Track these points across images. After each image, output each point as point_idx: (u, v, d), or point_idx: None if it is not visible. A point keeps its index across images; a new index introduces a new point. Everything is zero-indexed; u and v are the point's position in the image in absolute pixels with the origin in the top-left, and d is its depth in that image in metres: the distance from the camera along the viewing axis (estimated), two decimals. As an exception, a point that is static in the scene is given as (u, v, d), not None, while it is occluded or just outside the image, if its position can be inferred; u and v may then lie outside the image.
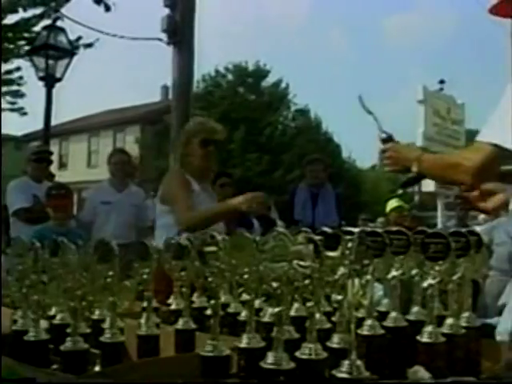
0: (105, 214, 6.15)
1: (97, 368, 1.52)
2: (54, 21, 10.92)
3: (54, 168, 7.85)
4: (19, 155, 13.04)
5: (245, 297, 1.49)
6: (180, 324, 1.62)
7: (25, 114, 14.22)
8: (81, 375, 1.43)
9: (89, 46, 12.25)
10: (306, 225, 6.57)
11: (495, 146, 2.07)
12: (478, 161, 2.11)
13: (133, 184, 6.66)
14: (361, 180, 30.06)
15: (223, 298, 1.84)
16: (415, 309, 1.57)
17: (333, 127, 35.34)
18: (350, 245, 1.26)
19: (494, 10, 2.35)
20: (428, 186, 10.41)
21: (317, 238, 1.32)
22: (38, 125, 11.25)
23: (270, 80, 30.58)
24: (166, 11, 9.13)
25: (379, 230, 1.53)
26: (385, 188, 29.54)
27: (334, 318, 1.51)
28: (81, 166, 35.00)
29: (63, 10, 11.74)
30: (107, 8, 10.98)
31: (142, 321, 1.61)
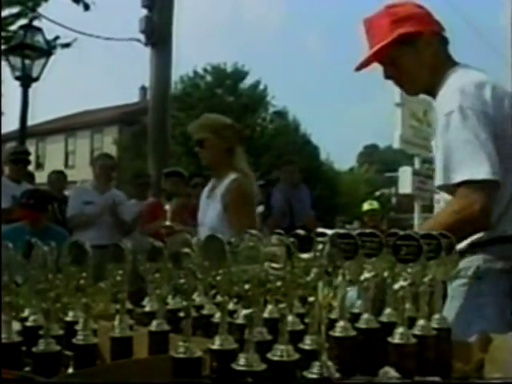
0: (88, 214, 6.18)
1: (70, 370, 1.52)
2: (31, 20, 10.87)
3: (30, 169, 7.81)
4: (-5, 155, 12.91)
5: (219, 299, 1.49)
6: (154, 326, 1.62)
7: (0, 113, 14.11)
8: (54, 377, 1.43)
9: (66, 45, 12.22)
10: (283, 226, 6.60)
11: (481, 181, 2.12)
12: (477, 203, 2.12)
13: (113, 186, 6.73)
14: (338, 182, 30.20)
15: (198, 300, 1.85)
16: (387, 310, 1.59)
17: (311, 129, 35.47)
18: (321, 247, 1.27)
19: (364, 66, 2.43)
20: (405, 187, 10.48)
21: (289, 240, 1.33)
22: (14, 125, 11.18)
23: (248, 82, 30.69)
24: (144, 12, 9.13)
25: (352, 232, 1.54)
26: (362, 190, 29.73)
27: (306, 320, 1.52)
28: (58, 166, 34.72)
29: (40, 10, 11.70)
30: (86, 7, 10.94)
31: (116, 323, 1.61)
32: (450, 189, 2.23)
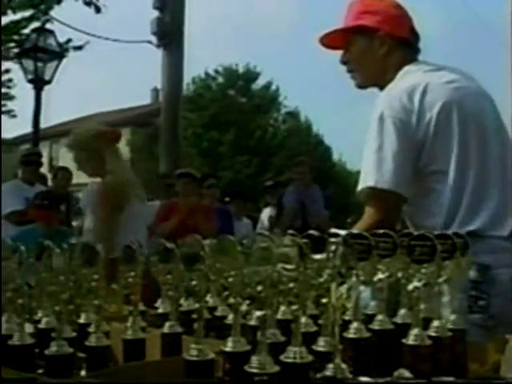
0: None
1: (82, 372, 1.52)
2: (44, 23, 10.92)
3: (44, 171, 7.84)
4: (9, 158, 13.00)
5: (231, 300, 1.49)
6: (166, 328, 1.62)
7: (14, 116, 14.21)
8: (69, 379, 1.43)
9: (78, 48, 12.25)
10: (295, 226, 6.60)
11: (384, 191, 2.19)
12: (381, 213, 2.22)
13: None
14: (351, 182, 30.11)
15: (210, 302, 1.84)
16: (402, 311, 1.57)
17: (323, 129, 35.41)
18: (334, 248, 1.26)
19: (325, 41, 2.53)
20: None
21: (302, 240, 1.32)
22: (28, 127, 11.23)
23: (260, 82, 30.66)
24: (156, 13, 9.13)
25: (365, 233, 1.53)
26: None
27: (320, 321, 1.51)
28: (71, 168, 34.90)
29: (53, 13, 11.75)
30: (98, 10, 10.96)
31: (128, 324, 1.61)
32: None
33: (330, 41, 2.53)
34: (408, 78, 2.34)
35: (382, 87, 2.43)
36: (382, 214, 2.23)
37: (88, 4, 11.06)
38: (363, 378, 1.28)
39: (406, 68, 2.38)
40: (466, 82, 2.38)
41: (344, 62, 2.51)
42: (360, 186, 2.27)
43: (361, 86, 2.53)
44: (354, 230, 2.09)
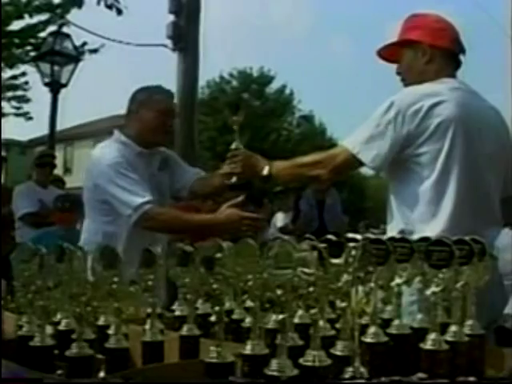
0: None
1: (101, 374, 1.53)
2: (60, 27, 10.97)
3: (58, 173, 7.87)
4: (24, 160, 13.08)
5: (249, 303, 1.50)
6: (184, 330, 1.63)
7: (30, 118, 14.27)
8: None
9: (94, 51, 12.29)
10: (312, 231, 6.59)
11: (345, 150, 2.53)
12: (339, 160, 2.55)
13: None
14: (365, 186, 30.07)
15: (227, 305, 1.85)
16: (418, 316, 1.58)
17: (337, 133, 35.36)
18: (353, 252, 1.27)
19: (382, 54, 2.81)
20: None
21: (321, 245, 1.33)
22: (43, 130, 11.30)
23: (274, 86, 30.66)
24: (171, 18, 9.15)
25: (383, 238, 1.54)
26: (389, 194, 29.45)
27: (337, 325, 1.51)
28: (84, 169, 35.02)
29: (69, 16, 11.80)
30: (119, 12, 10.97)
31: (147, 327, 1.62)
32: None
33: (386, 54, 2.80)
34: (434, 86, 2.55)
35: None
36: (339, 168, 2.61)
37: (109, 7, 11.09)
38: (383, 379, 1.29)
39: (442, 79, 2.59)
40: (484, 109, 2.62)
41: (398, 73, 2.76)
42: (345, 143, 2.58)
43: None
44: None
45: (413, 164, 2.47)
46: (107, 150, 3.10)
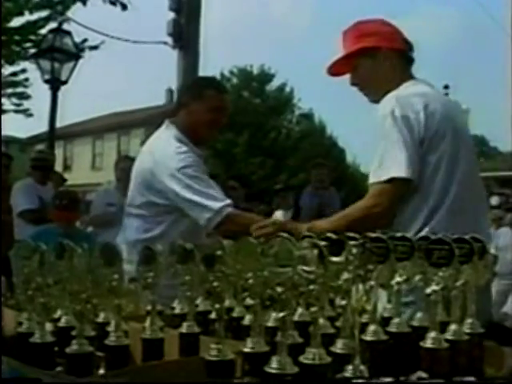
0: (110, 216, 6.22)
1: (101, 371, 1.53)
2: (60, 24, 10.96)
3: (58, 170, 7.87)
4: (24, 157, 13.08)
5: (249, 301, 1.50)
6: (184, 328, 1.63)
7: (30, 115, 14.27)
8: (85, 378, 1.44)
9: (94, 48, 12.29)
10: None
11: (392, 179, 2.38)
12: (386, 203, 2.41)
13: None
14: (365, 185, 29.89)
15: (227, 302, 1.85)
16: (418, 315, 1.58)
17: (337, 132, 35.38)
18: (354, 250, 1.27)
19: (333, 71, 2.80)
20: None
21: (321, 243, 1.33)
22: (43, 127, 11.30)
23: (274, 84, 30.64)
24: (172, 15, 9.15)
25: (383, 236, 1.54)
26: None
27: (337, 323, 1.51)
28: (85, 168, 35.06)
29: (69, 13, 11.80)
30: (124, 7, 10.97)
31: (147, 324, 1.62)
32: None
33: (337, 69, 2.78)
34: (413, 87, 2.58)
35: None
36: (392, 203, 2.42)
37: (113, 3, 11.08)
38: (385, 379, 1.29)
39: (411, 82, 2.62)
40: (453, 104, 2.74)
41: (354, 84, 2.75)
42: (378, 178, 2.43)
43: (375, 101, 2.69)
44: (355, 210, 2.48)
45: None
46: (171, 150, 3.01)
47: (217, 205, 2.87)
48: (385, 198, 2.41)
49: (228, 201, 2.91)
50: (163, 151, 3.05)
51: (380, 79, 2.66)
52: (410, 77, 2.67)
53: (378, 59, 2.65)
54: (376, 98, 2.66)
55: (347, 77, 2.77)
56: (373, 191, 2.47)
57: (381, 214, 2.41)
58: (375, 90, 2.68)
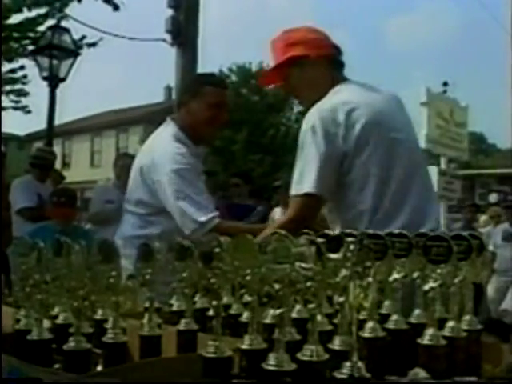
0: (109, 212, 6.22)
1: (99, 368, 1.53)
2: (59, 21, 10.95)
3: (57, 168, 7.87)
4: (22, 155, 13.08)
5: (247, 298, 1.50)
6: (182, 325, 1.63)
7: (28, 112, 14.25)
8: (84, 375, 1.44)
9: (92, 45, 12.28)
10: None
11: (305, 195, 2.46)
12: (301, 216, 2.46)
13: None
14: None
15: (225, 299, 1.85)
16: (416, 311, 1.58)
17: (336, 129, 35.28)
18: (351, 247, 1.27)
19: (265, 82, 2.99)
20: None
21: (319, 240, 1.33)
22: (42, 124, 11.30)
23: (273, 81, 30.53)
24: (170, 12, 9.15)
25: (380, 233, 1.54)
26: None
27: (335, 320, 1.51)
28: (84, 165, 35.08)
29: (67, 10, 11.79)
30: (116, 7, 10.97)
31: (144, 321, 1.62)
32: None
33: (268, 80, 2.87)
34: (338, 95, 2.57)
35: None
36: (308, 215, 2.50)
37: (107, 1, 11.06)
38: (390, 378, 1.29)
39: (338, 87, 2.62)
40: (386, 101, 2.66)
41: (288, 93, 2.82)
42: (295, 192, 2.52)
43: (306, 107, 2.71)
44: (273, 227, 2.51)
45: (347, 174, 2.49)
46: (169, 150, 3.01)
47: (203, 218, 2.85)
48: (300, 211, 2.50)
49: (215, 212, 2.90)
50: (162, 151, 3.05)
51: (311, 87, 2.67)
52: (342, 80, 2.68)
53: (307, 67, 2.66)
54: (308, 106, 2.66)
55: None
56: (291, 204, 2.55)
57: (296, 226, 2.32)
58: (308, 98, 2.68)
